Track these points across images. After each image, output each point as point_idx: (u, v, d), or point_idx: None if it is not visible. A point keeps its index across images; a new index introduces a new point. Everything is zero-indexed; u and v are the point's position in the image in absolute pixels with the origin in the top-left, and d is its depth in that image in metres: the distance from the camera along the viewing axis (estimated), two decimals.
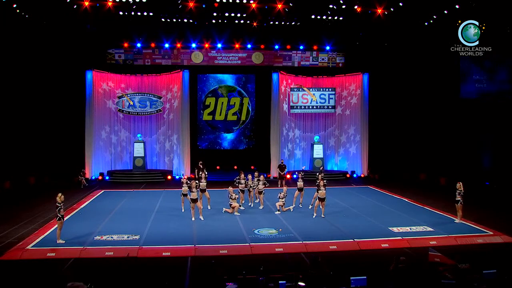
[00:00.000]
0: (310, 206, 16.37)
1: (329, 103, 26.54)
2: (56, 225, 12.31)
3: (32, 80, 22.33)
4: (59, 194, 12.17)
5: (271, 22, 23.87)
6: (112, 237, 12.66)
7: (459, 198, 14.32)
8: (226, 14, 22.69)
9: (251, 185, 17.20)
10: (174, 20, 23.46)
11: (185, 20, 23.52)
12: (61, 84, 23.39)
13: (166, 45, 25.12)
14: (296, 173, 19.81)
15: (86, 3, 20.26)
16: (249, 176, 17.56)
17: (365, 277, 7.45)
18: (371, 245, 12.23)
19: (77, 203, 17.75)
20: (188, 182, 15.52)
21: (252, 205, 17.19)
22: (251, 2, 21.22)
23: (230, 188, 15.87)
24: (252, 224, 14.18)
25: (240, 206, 16.41)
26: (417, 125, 24.75)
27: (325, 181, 15.68)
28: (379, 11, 21.34)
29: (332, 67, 26.90)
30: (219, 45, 25.27)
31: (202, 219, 14.78)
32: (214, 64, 26.10)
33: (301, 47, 25.98)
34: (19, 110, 21.82)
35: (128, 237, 12.72)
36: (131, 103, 25.40)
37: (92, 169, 24.32)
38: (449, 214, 15.46)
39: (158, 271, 10.13)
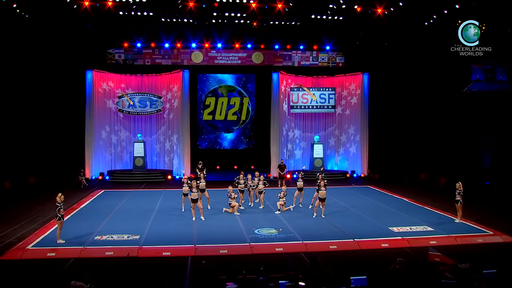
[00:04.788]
0: (310, 206, 16.37)
1: (329, 103, 26.54)
2: (56, 225, 12.31)
3: (32, 80, 22.32)
4: (59, 194, 12.17)
5: (271, 22, 23.88)
6: (112, 237, 12.67)
7: (458, 198, 14.32)
8: (226, 14, 22.69)
9: (251, 185, 17.21)
10: (174, 20, 23.47)
11: (185, 20, 23.53)
12: (61, 84, 23.39)
13: (166, 45, 25.13)
14: (296, 173, 19.79)
15: (86, 3, 20.26)
16: (249, 176, 17.58)
17: (365, 277, 7.45)
18: (371, 245, 12.23)
19: (77, 203, 17.76)
20: (189, 182, 15.53)
21: (252, 205, 17.20)
22: (251, 2, 21.21)
23: (230, 188, 15.88)
24: (252, 224, 14.18)
25: (240, 206, 16.43)
26: (417, 125, 24.75)
27: (325, 181, 15.69)
28: (379, 11, 21.34)
29: (332, 67, 26.91)
30: (219, 45, 25.28)
31: (203, 219, 14.78)
32: (214, 64, 26.10)
33: (301, 47, 25.99)
34: (20, 110, 21.81)
35: (128, 237, 12.73)
36: (131, 103, 25.41)
37: (92, 169, 24.33)
38: (449, 214, 15.46)
39: (158, 271, 10.13)
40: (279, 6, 21.27)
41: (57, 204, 12.04)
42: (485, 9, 18.71)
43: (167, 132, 25.92)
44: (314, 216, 15.27)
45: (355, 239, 12.56)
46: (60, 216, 12.06)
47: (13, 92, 21.33)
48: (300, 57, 26.56)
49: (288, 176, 24.32)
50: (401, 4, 20.73)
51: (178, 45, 25.16)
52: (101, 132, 24.94)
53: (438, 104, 23.53)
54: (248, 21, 23.52)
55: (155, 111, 25.70)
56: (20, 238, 12.59)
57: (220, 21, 23.54)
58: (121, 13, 21.79)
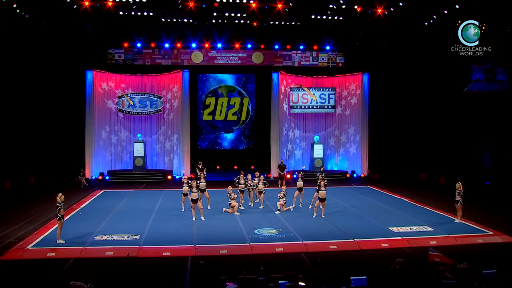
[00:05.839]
0: (310, 206, 16.37)
1: (329, 103, 26.55)
2: (56, 225, 12.31)
3: (32, 80, 22.32)
4: (59, 194, 12.18)
5: (271, 22, 23.89)
6: (112, 237, 12.66)
7: (458, 198, 14.32)
8: (226, 14, 22.70)
9: (251, 184, 17.19)
10: (174, 20, 23.48)
11: (185, 20, 23.54)
12: (61, 84, 23.40)
13: (166, 45, 25.13)
14: (296, 173, 19.79)
15: (86, 3, 20.28)
16: (249, 176, 17.57)
17: (365, 277, 7.45)
18: (371, 245, 12.23)
19: (77, 203, 17.75)
20: (189, 182, 15.52)
21: (252, 205, 17.20)
22: (251, 2, 21.22)
23: (230, 188, 15.87)
24: (252, 224, 14.17)
25: (240, 206, 16.43)
26: (417, 125, 24.75)
27: (326, 181, 15.69)
28: (379, 11, 21.35)
29: (332, 67, 26.90)
30: (219, 45, 25.28)
31: (203, 219, 14.77)
32: (214, 64, 26.10)
33: (301, 47, 26.00)
34: (20, 110, 21.81)
35: (128, 237, 12.72)
36: (131, 103, 25.40)
37: (92, 169, 24.33)
38: (449, 214, 15.46)
39: (158, 271, 10.14)
40: (279, 6, 21.28)
41: (57, 204, 12.04)
42: (485, 9, 18.72)
43: (167, 132, 25.92)
44: (314, 216, 15.26)
45: (355, 239, 12.55)
46: (60, 216, 12.06)
47: (14, 92, 21.32)
48: (300, 57, 26.55)
49: (288, 176, 24.31)
50: (401, 4, 20.73)
51: (178, 45, 25.17)
52: (101, 132, 24.94)
53: (438, 104, 23.52)
54: (248, 21, 23.53)
55: (155, 111, 25.70)
56: (20, 238, 12.58)
57: (220, 21, 23.54)
58: (121, 13, 21.80)
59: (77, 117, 23.91)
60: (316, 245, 12.14)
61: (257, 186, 17.09)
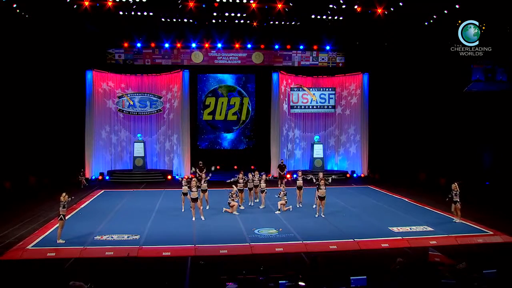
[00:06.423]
0: (314, 206, 16.35)
1: (329, 103, 26.54)
2: (57, 225, 12.32)
3: (32, 80, 22.31)
4: (63, 194, 12.23)
5: (271, 22, 23.89)
6: (112, 237, 12.67)
7: (456, 199, 14.32)
8: (226, 14, 22.70)
9: (252, 180, 17.16)
10: (174, 20, 23.49)
11: (185, 20, 23.55)
12: (61, 84, 23.39)
13: (166, 45, 25.14)
14: (296, 172, 19.80)
15: (86, 3, 20.25)
16: (250, 175, 17.57)
17: (365, 277, 7.45)
18: (371, 245, 12.23)
19: (77, 203, 17.74)
20: (189, 181, 15.51)
21: (252, 205, 17.21)
22: (251, 2, 21.21)
23: (234, 188, 15.92)
24: (252, 224, 14.18)
25: (240, 205, 16.44)
26: (417, 125, 24.76)
27: (329, 180, 15.65)
28: (379, 11, 21.33)
29: (332, 67, 26.91)
30: (219, 45, 25.29)
31: (203, 218, 14.77)
32: (214, 64, 26.11)
33: (301, 47, 26.02)
34: (20, 110, 21.80)
35: (128, 237, 12.73)
36: (131, 103, 25.40)
37: (92, 169, 24.33)
38: (449, 214, 15.42)
39: (158, 271, 10.13)
40: (279, 6, 21.25)
41: (61, 203, 12.06)
42: (485, 9, 18.72)
43: (167, 132, 25.92)
44: (316, 216, 15.27)
45: (355, 239, 12.55)
46: (62, 215, 12.07)
47: (13, 92, 21.31)
48: (300, 57, 26.56)
49: (288, 176, 24.30)
50: (401, 4, 20.72)
51: (178, 45, 25.18)
52: (101, 132, 24.93)
53: (438, 104, 23.52)
54: (248, 21, 23.53)
55: (155, 111, 25.70)
56: (20, 238, 12.58)
57: (220, 21, 23.54)
58: (121, 13, 21.78)
59: (77, 117, 23.91)
60: (316, 245, 12.14)
61: (259, 185, 17.08)
